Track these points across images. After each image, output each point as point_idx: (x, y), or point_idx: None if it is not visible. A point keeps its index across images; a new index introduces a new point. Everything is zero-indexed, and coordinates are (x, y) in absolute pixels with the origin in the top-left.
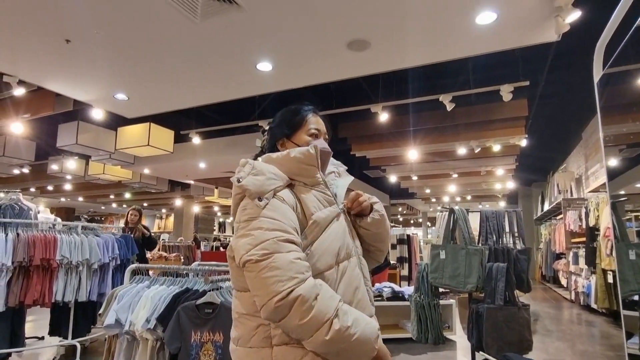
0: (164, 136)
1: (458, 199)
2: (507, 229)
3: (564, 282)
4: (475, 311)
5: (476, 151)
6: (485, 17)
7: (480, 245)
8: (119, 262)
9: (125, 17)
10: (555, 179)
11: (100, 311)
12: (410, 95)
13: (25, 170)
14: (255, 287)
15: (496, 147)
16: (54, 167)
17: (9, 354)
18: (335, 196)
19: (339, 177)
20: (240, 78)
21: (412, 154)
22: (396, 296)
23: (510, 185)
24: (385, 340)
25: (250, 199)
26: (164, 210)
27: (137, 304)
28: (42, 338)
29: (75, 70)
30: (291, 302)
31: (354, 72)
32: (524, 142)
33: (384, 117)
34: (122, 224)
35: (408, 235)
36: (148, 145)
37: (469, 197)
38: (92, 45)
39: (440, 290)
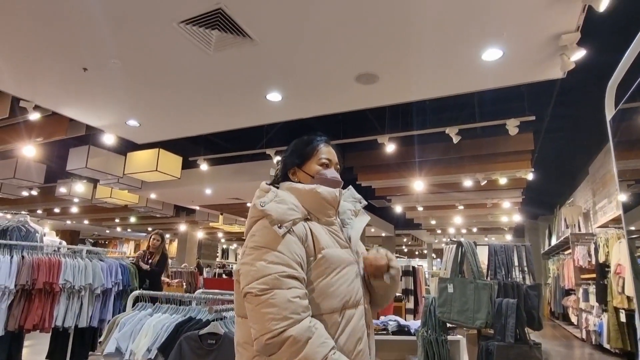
0: (172, 162)
1: (464, 230)
2: (516, 264)
3: (574, 319)
4: (485, 349)
5: (482, 184)
6: (491, 54)
7: (489, 279)
8: (121, 287)
9: (141, 48)
10: (563, 213)
11: (101, 339)
12: (416, 127)
13: (34, 192)
14: (252, 319)
15: (502, 180)
16: (63, 190)
17: None
18: (350, 239)
19: (354, 218)
20: (249, 107)
21: (418, 184)
22: (402, 330)
23: (517, 218)
24: None
25: (271, 224)
26: (167, 236)
27: (139, 332)
28: None
29: (91, 97)
30: (281, 342)
31: (362, 104)
32: (530, 176)
33: (390, 148)
34: (125, 248)
35: (413, 267)
36: (156, 170)
37: (474, 230)
38: (108, 73)
39: (448, 325)
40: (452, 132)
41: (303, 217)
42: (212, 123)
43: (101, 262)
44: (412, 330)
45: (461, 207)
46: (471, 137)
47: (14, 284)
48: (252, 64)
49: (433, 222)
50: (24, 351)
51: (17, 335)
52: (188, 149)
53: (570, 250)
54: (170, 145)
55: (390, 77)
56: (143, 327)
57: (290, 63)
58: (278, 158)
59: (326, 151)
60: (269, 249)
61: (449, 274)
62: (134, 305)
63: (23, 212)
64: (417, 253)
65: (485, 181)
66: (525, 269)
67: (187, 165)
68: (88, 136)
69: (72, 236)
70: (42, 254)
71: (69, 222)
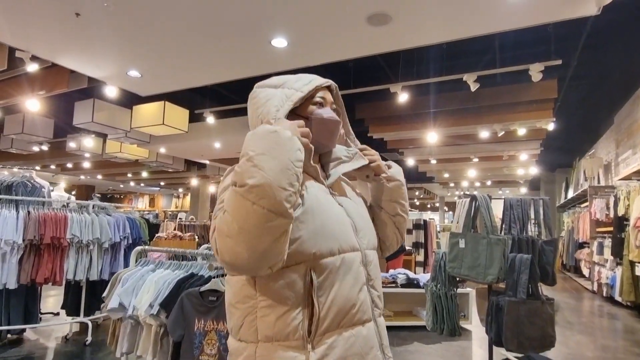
0: (178, 115)
1: (477, 184)
2: (532, 218)
3: (586, 272)
4: (495, 304)
5: (499, 135)
6: None
7: (502, 234)
8: (130, 241)
9: None
10: (582, 165)
11: (104, 294)
12: (432, 75)
13: (45, 147)
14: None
15: (521, 131)
16: (72, 145)
17: (24, 330)
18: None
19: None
20: (254, 54)
21: (432, 136)
22: (411, 283)
23: (533, 170)
24: (398, 328)
25: None
26: (180, 190)
27: (141, 288)
28: (58, 314)
29: (87, 46)
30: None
31: (374, 48)
32: (551, 126)
33: (403, 97)
34: (140, 202)
35: (425, 221)
36: (163, 124)
37: (488, 183)
38: (102, 19)
39: (458, 279)
40: (470, 79)
41: None
42: (216, 73)
43: (108, 216)
44: (421, 284)
45: (476, 160)
46: (490, 85)
47: (21, 238)
48: (253, 4)
49: (446, 175)
50: (51, 300)
51: (31, 289)
52: (195, 101)
53: (587, 203)
54: (176, 98)
55: (404, 17)
56: (145, 283)
57: (294, 2)
58: None
59: (319, 91)
60: None
61: (461, 228)
62: (137, 260)
63: (28, 168)
64: (429, 206)
65: (503, 132)
66: (542, 223)
67: (195, 118)
68: (92, 89)
69: (87, 191)
70: (49, 209)
71: (82, 177)
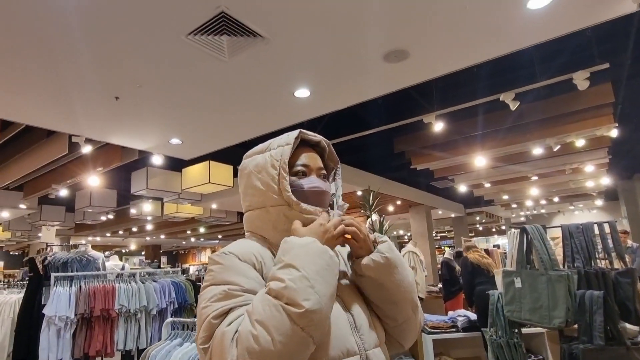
0: (223, 172)
1: (543, 201)
2: (599, 246)
3: None
4: (568, 353)
5: (555, 149)
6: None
7: (565, 268)
8: (176, 305)
9: (159, 68)
10: None
11: None
12: (469, 98)
13: (110, 216)
14: None
15: (579, 142)
16: (134, 210)
17: None
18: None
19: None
20: (280, 108)
21: (480, 160)
22: (474, 326)
23: (605, 181)
24: None
25: None
26: None
27: None
28: None
29: (130, 123)
30: None
31: (396, 85)
32: (614, 132)
33: (438, 126)
34: (204, 256)
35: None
36: (209, 182)
37: (556, 199)
38: (138, 98)
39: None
40: (507, 98)
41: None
42: (249, 130)
43: (154, 282)
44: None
45: (535, 178)
46: (535, 99)
47: (73, 313)
48: (271, 63)
49: (505, 197)
50: None
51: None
52: (237, 155)
53: None
54: (220, 155)
55: (422, 50)
56: None
57: (310, 54)
58: None
59: (300, 156)
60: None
61: (515, 265)
62: (169, 332)
63: (82, 243)
64: (494, 230)
65: (559, 146)
66: (612, 251)
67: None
68: (145, 158)
69: (154, 250)
70: (100, 282)
71: (148, 238)
